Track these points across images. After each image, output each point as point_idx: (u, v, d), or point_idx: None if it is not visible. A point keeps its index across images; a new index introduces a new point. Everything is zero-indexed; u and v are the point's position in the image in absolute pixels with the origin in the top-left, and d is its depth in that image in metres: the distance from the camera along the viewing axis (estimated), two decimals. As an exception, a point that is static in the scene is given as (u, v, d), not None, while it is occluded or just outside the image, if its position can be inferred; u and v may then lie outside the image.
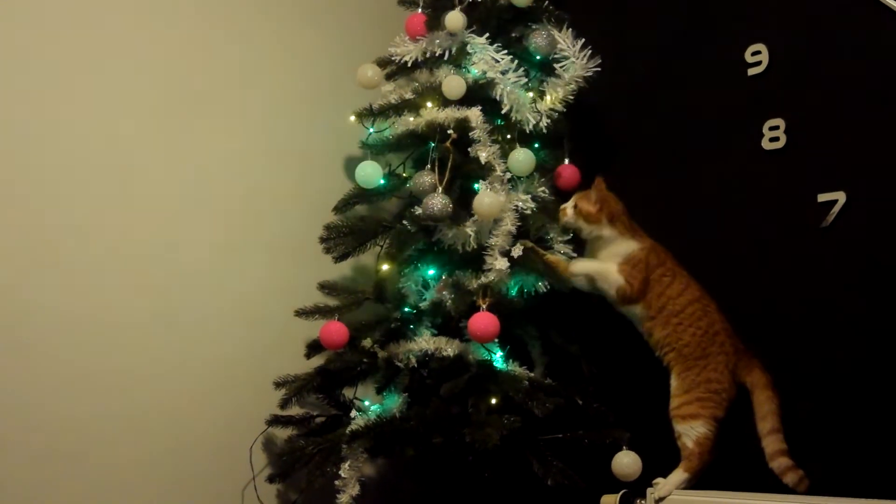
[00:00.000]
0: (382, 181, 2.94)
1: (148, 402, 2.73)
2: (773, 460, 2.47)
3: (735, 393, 2.56)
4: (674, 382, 2.60)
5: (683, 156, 2.95)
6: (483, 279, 2.69)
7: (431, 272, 2.85)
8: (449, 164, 2.74)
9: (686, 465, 2.52)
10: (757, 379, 2.56)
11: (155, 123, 2.84)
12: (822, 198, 2.60)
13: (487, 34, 2.88)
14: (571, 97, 2.87)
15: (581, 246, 2.80)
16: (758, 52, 2.78)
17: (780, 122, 2.72)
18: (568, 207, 2.77)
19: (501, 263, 2.68)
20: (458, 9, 2.86)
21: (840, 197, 2.56)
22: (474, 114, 2.78)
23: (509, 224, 2.72)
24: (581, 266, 2.73)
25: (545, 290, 2.73)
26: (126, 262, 2.73)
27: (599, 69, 2.87)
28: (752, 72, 2.80)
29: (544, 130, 2.85)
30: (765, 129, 2.74)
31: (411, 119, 2.91)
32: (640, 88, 3.10)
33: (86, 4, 2.73)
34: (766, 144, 2.73)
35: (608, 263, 2.69)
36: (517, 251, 2.70)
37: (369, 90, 3.05)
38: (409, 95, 2.94)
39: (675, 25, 3.03)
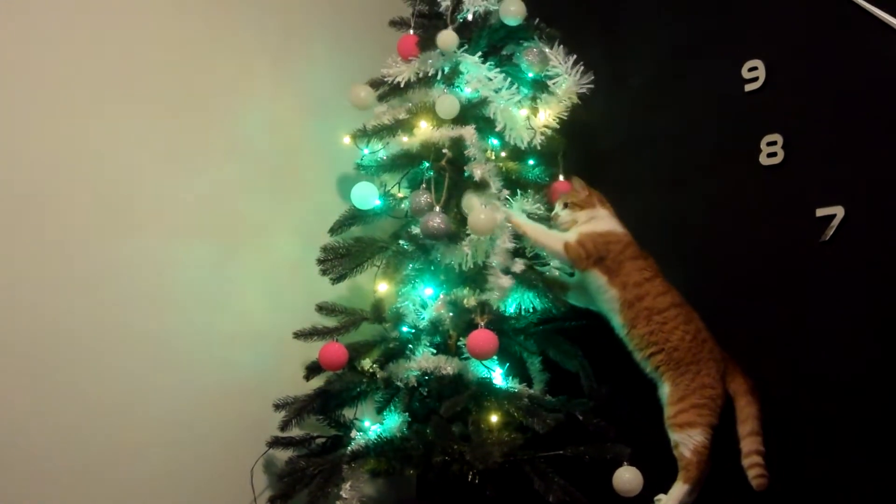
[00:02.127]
0: (378, 201, 2.95)
1: (148, 425, 2.73)
2: (746, 458, 2.50)
3: (725, 400, 2.58)
4: (667, 389, 2.59)
5: (681, 172, 2.95)
6: (484, 297, 2.69)
7: (429, 291, 2.84)
8: (445, 183, 2.75)
9: (685, 475, 2.52)
10: (739, 385, 2.58)
11: (153, 143, 2.84)
12: (820, 212, 2.60)
13: (479, 53, 2.90)
14: (565, 112, 2.88)
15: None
16: (754, 68, 2.79)
17: (777, 137, 2.72)
18: (558, 210, 2.81)
19: (505, 282, 2.68)
20: (450, 28, 2.86)
21: (839, 211, 2.57)
22: (469, 132, 2.78)
23: (507, 241, 2.72)
24: (517, 221, 2.75)
25: (542, 307, 2.73)
26: (123, 283, 2.73)
27: (594, 86, 2.90)
28: (749, 87, 2.80)
29: (538, 147, 2.86)
30: (762, 145, 2.74)
31: (405, 139, 2.92)
32: (636, 104, 3.11)
33: (75, 25, 2.73)
34: (764, 160, 2.73)
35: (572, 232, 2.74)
36: (518, 267, 2.70)
37: (363, 111, 3.06)
38: (402, 116, 2.93)
39: (672, 42, 3.03)
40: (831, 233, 2.57)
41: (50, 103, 2.64)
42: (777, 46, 2.76)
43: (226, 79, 3.07)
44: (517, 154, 2.90)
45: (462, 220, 2.72)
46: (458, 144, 2.78)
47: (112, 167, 2.74)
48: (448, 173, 2.77)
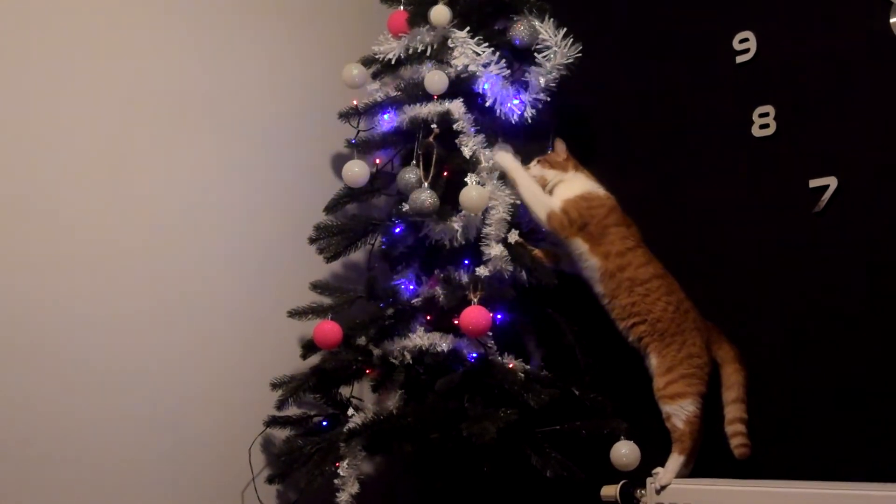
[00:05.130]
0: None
1: (146, 405, 2.74)
2: (730, 425, 2.52)
3: (712, 367, 2.58)
4: (654, 361, 2.59)
5: (673, 144, 2.93)
6: (478, 271, 2.69)
7: (423, 268, 2.86)
8: (433, 159, 2.75)
9: (679, 446, 2.52)
10: (727, 353, 2.59)
11: (146, 127, 2.85)
12: (813, 183, 2.59)
13: (468, 27, 2.88)
14: (554, 85, 2.87)
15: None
16: (745, 40, 2.78)
17: (769, 108, 2.71)
18: (531, 166, 2.81)
19: (497, 249, 2.68)
20: (441, 3, 2.86)
21: (832, 182, 2.56)
22: (456, 106, 2.78)
23: (502, 212, 2.72)
24: (509, 166, 2.75)
25: (533, 283, 2.73)
26: (121, 264, 2.74)
27: (584, 57, 2.87)
28: (740, 59, 2.79)
29: (529, 121, 2.86)
30: (754, 116, 2.73)
31: (396, 116, 2.91)
32: (627, 77, 3.09)
33: (72, 19, 2.74)
34: (757, 131, 2.72)
35: (555, 195, 2.74)
36: (513, 237, 2.71)
37: (357, 89, 3.05)
38: (393, 93, 2.94)
39: (662, 13, 3.02)
40: (824, 203, 2.56)
41: (57, 90, 2.67)
42: (768, 17, 2.75)
43: (220, 60, 3.06)
44: (507, 129, 2.88)
45: (449, 196, 2.72)
46: (445, 119, 2.78)
47: (109, 151, 2.76)
48: (436, 149, 2.76)
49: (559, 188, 2.75)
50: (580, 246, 2.66)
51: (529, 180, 2.75)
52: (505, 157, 2.77)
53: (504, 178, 2.77)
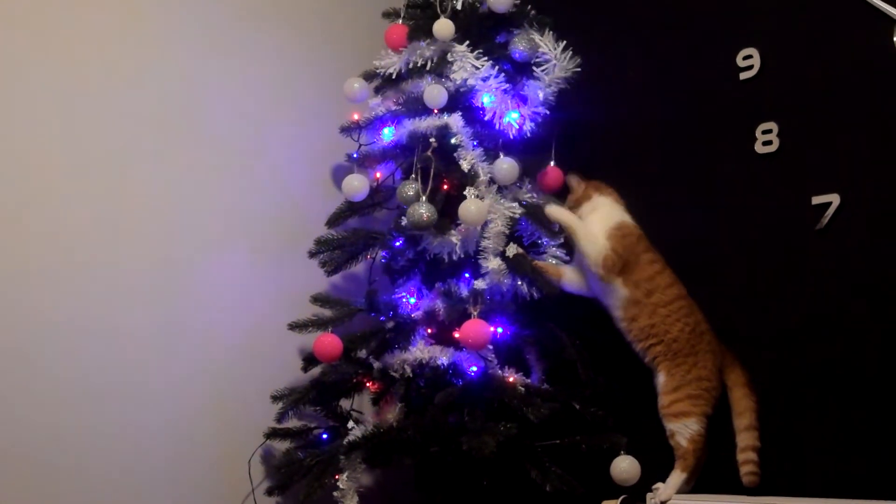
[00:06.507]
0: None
1: (146, 416, 2.74)
2: (742, 453, 2.50)
3: (720, 391, 2.57)
4: (661, 379, 2.58)
5: (675, 160, 2.93)
6: (477, 284, 2.69)
7: (423, 281, 2.87)
8: (431, 173, 2.75)
9: (682, 464, 2.51)
10: (738, 377, 2.57)
11: (148, 138, 2.86)
12: (816, 200, 2.59)
13: (468, 41, 2.89)
14: (553, 99, 2.87)
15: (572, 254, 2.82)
16: (749, 56, 2.78)
17: (772, 125, 2.70)
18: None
19: (495, 263, 2.69)
20: (443, 17, 2.88)
21: (834, 199, 2.55)
22: (454, 120, 2.79)
23: (500, 225, 2.73)
24: (563, 216, 2.74)
25: (534, 295, 2.73)
26: (123, 275, 2.75)
27: (586, 73, 2.88)
28: (744, 76, 2.79)
29: (528, 134, 2.86)
30: (758, 133, 2.73)
31: (396, 130, 2.93)
32: (631, 93, 3.09)
33: (80, 28, 2.77)
34: (760, 148, 2.72)
35: (595, 228, 2.70)
36: (511, 251, 2.72)
37: (359, 103, 3.07)
38: (394, 107, 2.95)
39: (667, 29, 3.02)
40: (827, 221, 2.56)
41: (56, 97, 2.69)
42: (772, 34, 2.75)
43: (218, 73, 3.07)
44: (507, 142, 2.88)
45: (448, 210, 2.74)
46: (443, 133, 2.79)
47: (114, 162, 2.77)
48: (435, 163, 2.77)
49: (590, 218, 2.73)
50: (615, 279, 2.64)
51: (586, 228, 2.70)
52: (559, 209, 2.76)
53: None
